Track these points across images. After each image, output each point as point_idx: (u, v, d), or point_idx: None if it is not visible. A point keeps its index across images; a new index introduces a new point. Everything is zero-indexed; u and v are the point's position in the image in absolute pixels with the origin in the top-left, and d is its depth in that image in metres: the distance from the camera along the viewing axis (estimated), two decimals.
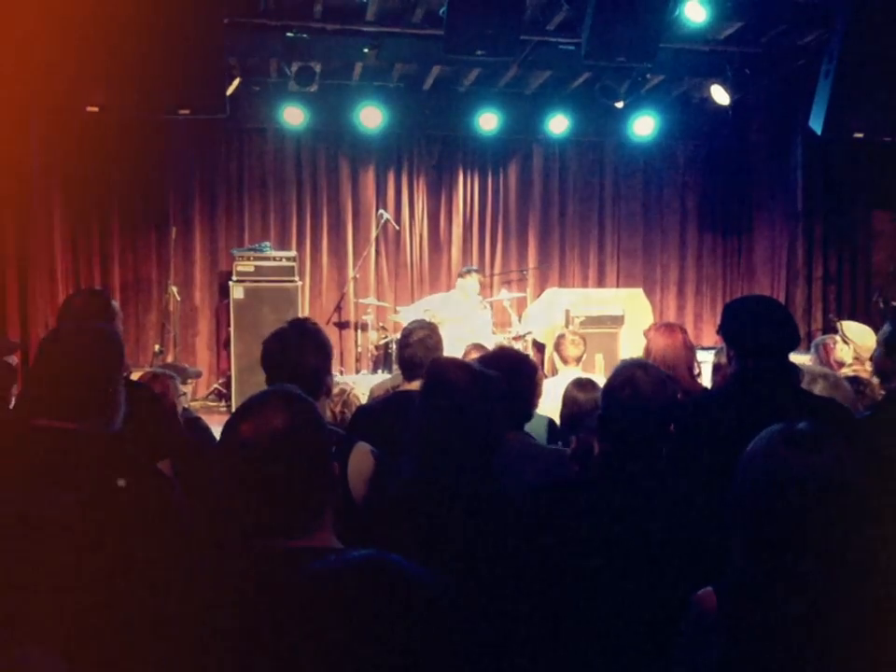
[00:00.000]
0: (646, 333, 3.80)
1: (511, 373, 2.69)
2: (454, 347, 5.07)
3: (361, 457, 2.34)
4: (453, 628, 0.92)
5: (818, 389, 2.99)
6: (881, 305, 8.32)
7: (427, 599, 0.93)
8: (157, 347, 8.09)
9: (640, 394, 2.06)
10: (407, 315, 7.50)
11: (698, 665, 1.60)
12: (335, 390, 3.81)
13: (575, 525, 2.00)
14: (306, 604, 0.89)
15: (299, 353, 2.39)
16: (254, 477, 1.34)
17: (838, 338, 4.38)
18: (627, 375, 2.11)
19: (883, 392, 3.18)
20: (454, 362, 2.26)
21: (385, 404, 3.40)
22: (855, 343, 4.28)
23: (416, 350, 3.38)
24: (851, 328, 4.43)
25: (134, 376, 3.44)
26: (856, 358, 4.26)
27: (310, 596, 0.90)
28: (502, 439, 2.20)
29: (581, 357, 4.77)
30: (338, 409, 3.87)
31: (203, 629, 1.27)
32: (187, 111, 5.53)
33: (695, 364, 3.77)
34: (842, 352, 4.29)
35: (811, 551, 1.55)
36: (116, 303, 3.22)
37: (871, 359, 3.49)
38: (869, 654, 1.50)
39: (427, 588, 0.93)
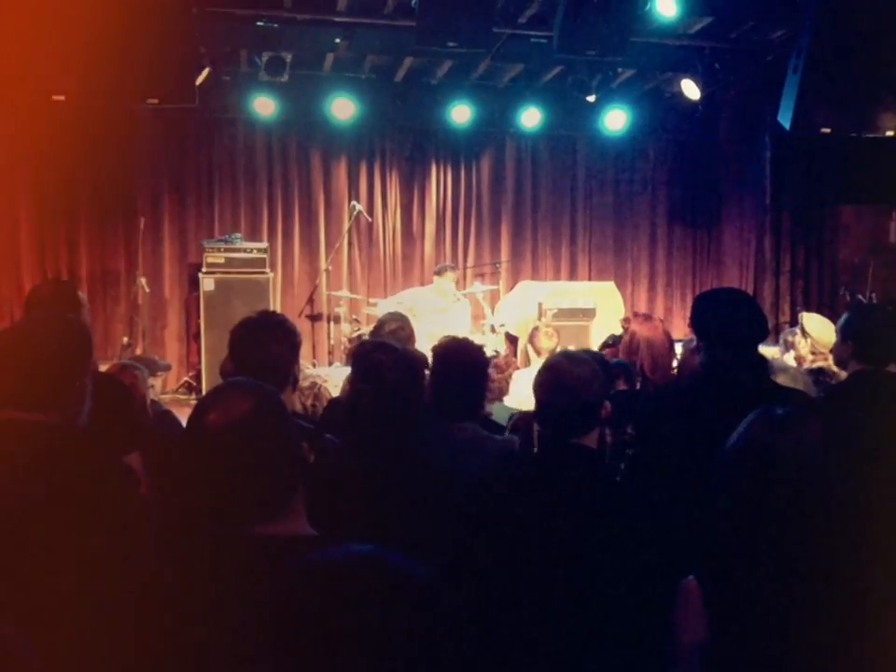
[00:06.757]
0: (624, 324, 3.81)
1: (460, 365, 2.73)
2: (431, 341, 5.07)
3: None
4: (448, 627, 0.93)
5: (779, 381, 3.03)
6: (847, 299, 8.44)
7: (426, 598, 0.93)
8: (125, 340, 7.98)
9: (563, 379, 2.06)
10: (383, 307, 7.48)
11: (688, 653, 1.61)
12: (306, 383, 3.79)
13: (517, 513, 2.00)
14: (300, 595, 0.89)
15: (265, 342, 2.39)
16: (223, 462, 1.34)
17: (797, 331, 4.37)
18: (551, 363, 2.15)
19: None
20: (379, 345, 2.37)
21: None
22: (812, 336, 4.25)
23: (388, 342, 3.38)
24: (811, 321, 4.38)
25: (102, 368, 3.39)
26: (813, 353, 4.24)
27: (307, 587, 0.90)
28: (424, 415, 2.31)
29: (554, 349, 4.84)
30: (309, 402, 3.85)
31: (178, 620, 1.26)
32: (155, 100, 5.47)
33: (674, 354, 3.80)
34: (800, 345, 4.27)
35: (791, 531, 1.57)
36: (83, 294, 3.18)
37: (831, 351, 3.50)
38: (853, 632, 1.52)
39: (426, 586, 0.94)
